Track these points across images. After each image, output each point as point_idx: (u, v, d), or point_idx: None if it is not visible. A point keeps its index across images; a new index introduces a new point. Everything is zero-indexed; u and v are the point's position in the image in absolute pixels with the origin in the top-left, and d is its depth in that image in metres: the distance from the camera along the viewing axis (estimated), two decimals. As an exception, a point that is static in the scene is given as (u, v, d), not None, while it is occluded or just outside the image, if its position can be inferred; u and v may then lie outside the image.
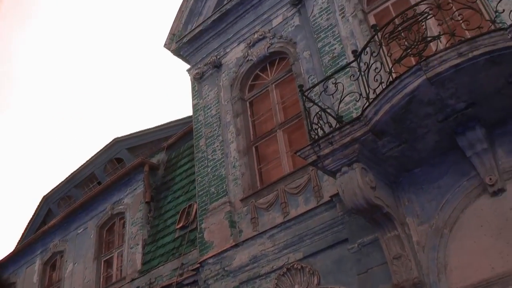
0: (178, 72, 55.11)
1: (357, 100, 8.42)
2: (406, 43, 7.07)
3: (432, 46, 7.48)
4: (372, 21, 10.31)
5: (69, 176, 20.41)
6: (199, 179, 12.04)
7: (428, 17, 7.13)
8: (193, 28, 14.05)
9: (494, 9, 7.20)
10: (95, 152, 19.71)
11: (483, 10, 7.44)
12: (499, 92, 7.10)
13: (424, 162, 8.09)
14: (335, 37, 10.47)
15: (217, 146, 11.99)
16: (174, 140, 16.49)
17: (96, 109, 58.76)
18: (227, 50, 13.17)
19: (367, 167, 7.80)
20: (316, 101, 8.85)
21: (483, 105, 7.21)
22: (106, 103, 59.17)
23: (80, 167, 20.12)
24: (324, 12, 10.99)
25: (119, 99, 59.18)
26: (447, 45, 6.83)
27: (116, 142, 19.42)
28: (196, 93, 13.52)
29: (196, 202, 12.23)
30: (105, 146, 19.59)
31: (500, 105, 7.28)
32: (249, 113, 12.18)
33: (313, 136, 8.02)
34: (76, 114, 58.93)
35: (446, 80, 6.78)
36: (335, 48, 10.33)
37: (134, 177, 15.81)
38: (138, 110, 57.95)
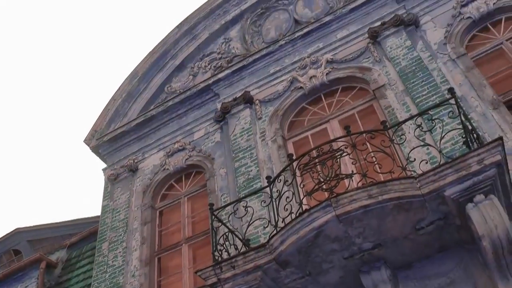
0: (93, 169, 53.84)
1: (266, 226, 8.28)
2: (319, 177, 7.12)
3: (346, 182, 7.58)
4: (291, 148, 10.48)
5: (-44, 263, 18.87)
6: (96, 284, 11.29)
7: (343, 154, 7.25)
8: (116, 128, 13.83)
9: (406, 156, 7.41)
10: (-7, 240, 18.48)
11: (397, 155, 7.60)
12: (406, 237, 7.15)
13: (327, 297, 7.90)
14: (252, 159, 10.52)
15: (120, 252, 11.41)
16: (77, 239, 15.64)
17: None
18: (146, 156, 12.94)
19: (267, 296, 7.54)
20: (225, 222, 8.68)
21: (389, 247, 7.22)
22: (12, 192, 56.45)
23: (-27, 254, 18.71)
24: (245, 132, 11.11)
25: (25, 189, 56.70)
26: (358, 185, 6.91)
27: (17, 232, 18.32)
28: (108, 194, 13.04)
29: (88, 308, 11.44)
30: (5, 236, 18.41)
31: (406, 249, 7.31)
32: (157, 222, 11.76)
33: (216, 258, 7.79)
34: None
35: (355, 219, 6.79)
36: (251, 170, 10.33)
37: (29, 273, 14.70)
38: (46, 203, 55.53)
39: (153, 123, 13.20)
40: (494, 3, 10.17)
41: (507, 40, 9.76)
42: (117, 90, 14.49)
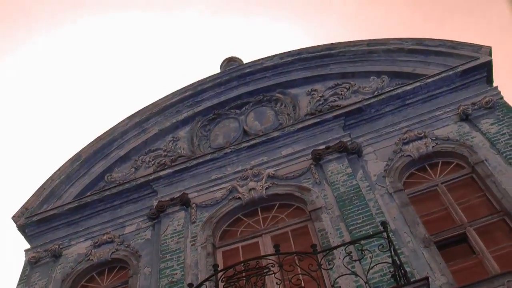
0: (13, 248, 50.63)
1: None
2: (241, 292, 6.99)
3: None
4: (220, 257, 10.35)
5: None
6: None
7: (269, 273, 7.16)
8: (48, 209, 13.33)
9: (333, 283, 7.39)
10: None
11: (323, 279, 7.56)
12: None
13: None
14: (179, 262, 10.29)
15: None
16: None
17: None
18: (72, 243, 12.38)
19: None
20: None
21: None
22: None
23: None
24: (176, 234, 10.93)
25: None
26: (280, 306, 6.76)
27: None
28: (25, 278, 12.21)
29: None
30: None
31: None
32: (70, 308, 11.10)
33: None
34: None
35: None
36: (176, 274, 10.07)
37: None
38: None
39: (86, 211, 12.80)
40: (433, 147, 10.71)
41: (442, 183, 10.19)
42: (57, 171, 14.14)
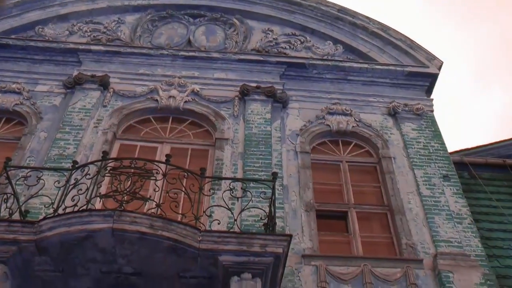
0: None
1: (47, 206, 7.86)
2: (118, 186, 7.12)
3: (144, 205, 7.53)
4: (116, 148, 10.35)
5: None
6: None
7: (151, 177, 7.35)
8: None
9: (206, 209, 7.75)
10: None
11: (198, 204, 7.64)
12: (166, 279, 7.24)
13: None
14: (76, 139, 10.17)
15: None
16: None
17: None
18: (-21, 78, 11.83)
19: (11, 275, 7.00)
20: (16, 184, 8.13)
21: (147, 280, 7.26)
22: None
23: None
24: (83, 111, 10.75)
25: None
26: (150, 211, 6.95)
27: None
28: None
29: None
30: None
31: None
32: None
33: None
34: None
35: (128, 240, 6.80)
36: (69, 148, 9.96)
37: None
38: None
39: (5, 53, 12.17)
40: (353, 126, 11.13)
41: (346, 162, 10.64)
42: (-13, -1, 13.40)
